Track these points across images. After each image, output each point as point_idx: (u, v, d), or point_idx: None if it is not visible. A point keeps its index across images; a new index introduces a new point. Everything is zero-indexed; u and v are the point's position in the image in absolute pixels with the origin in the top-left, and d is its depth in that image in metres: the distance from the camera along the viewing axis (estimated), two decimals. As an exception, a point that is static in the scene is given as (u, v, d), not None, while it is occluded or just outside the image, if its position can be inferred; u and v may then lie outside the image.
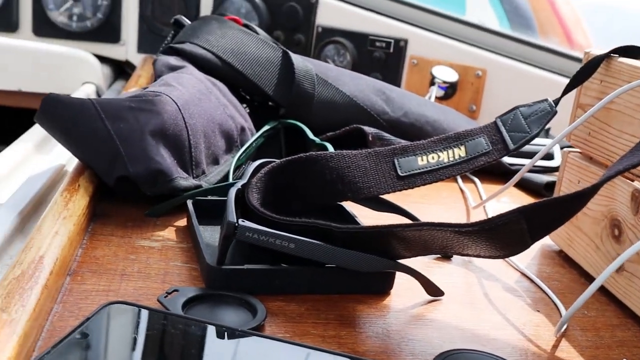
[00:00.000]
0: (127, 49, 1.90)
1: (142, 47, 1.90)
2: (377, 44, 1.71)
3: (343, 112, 1.18)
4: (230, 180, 0.96)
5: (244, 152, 1.02)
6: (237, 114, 1.06)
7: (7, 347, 0.48)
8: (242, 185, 0.77)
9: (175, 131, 0.89)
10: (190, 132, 0.91)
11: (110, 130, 0.84)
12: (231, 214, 0.69)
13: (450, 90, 1.64)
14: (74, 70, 1.73)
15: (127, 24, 1.89)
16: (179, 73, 1.04)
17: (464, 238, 0.62)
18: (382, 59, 1.70)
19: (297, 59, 1.16)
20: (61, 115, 0.87)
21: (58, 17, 1.84)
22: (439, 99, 1.64)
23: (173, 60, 1.09)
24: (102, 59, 1.87)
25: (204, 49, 1.13)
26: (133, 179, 0.83)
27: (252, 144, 1.05)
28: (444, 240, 0.65)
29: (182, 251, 0.79)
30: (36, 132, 1.25)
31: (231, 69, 1.13)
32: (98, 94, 1.73)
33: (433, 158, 0.80)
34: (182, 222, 0.88)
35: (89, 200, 0.81)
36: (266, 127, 1.10)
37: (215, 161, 0.98)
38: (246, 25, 1.31)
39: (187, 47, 1.13)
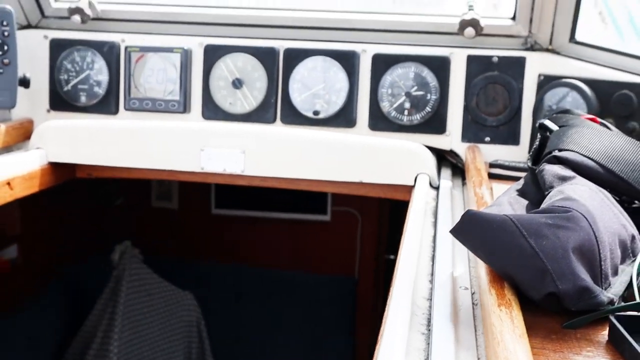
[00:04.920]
0: (451, 139, 2.01)
1: (466, 137, 2.00)
2: None
3: None
4: (636, 292, 0.98)
5: (640, 261, 1.03)
6: (627, 223, 1.07)
7: None
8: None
9: (589, 247, 0.93)
10: (600, 247, 0.94)
11: (535, 247, 0.90)
12: None
13: None
14: (410, 163, 1.86)
15: (453, 115, 2.00)
16: (572, 185, 1.08)
17: None
18: None
19: (678, 163, 1.15)
20: (483, 232, 0.95)
21: (391, 111, 2.01)
22: None
23: (560, 169, 1.14)
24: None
25: (585, 156, 1.16)
26: (560, 296, 0.88)
27: (645, 252, 1.05)
28: None
29: (619, 370, 0.82)
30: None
31: (612, 175, 1.15)
32: (431, 184, 1.83)
33: None
34: (599, 336, 0.90)
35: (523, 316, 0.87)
36: (654, 234, 1.10)
37: (615, 271, 1.00)
38: (601, 124, 1.33)
39: (570, 155, 1.17)
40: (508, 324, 0.83)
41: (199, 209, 3.72)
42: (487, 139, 1.99)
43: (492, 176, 1.79)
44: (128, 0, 2.17)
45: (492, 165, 1.81)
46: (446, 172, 1.97)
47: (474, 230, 0.96)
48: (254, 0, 2.27)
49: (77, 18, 2.06)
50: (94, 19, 2.11)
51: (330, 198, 3.63)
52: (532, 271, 0.90)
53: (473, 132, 1.99)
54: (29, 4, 2.15)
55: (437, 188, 1.82)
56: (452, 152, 2.03)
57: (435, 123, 2.00)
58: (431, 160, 1.88)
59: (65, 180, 2.13)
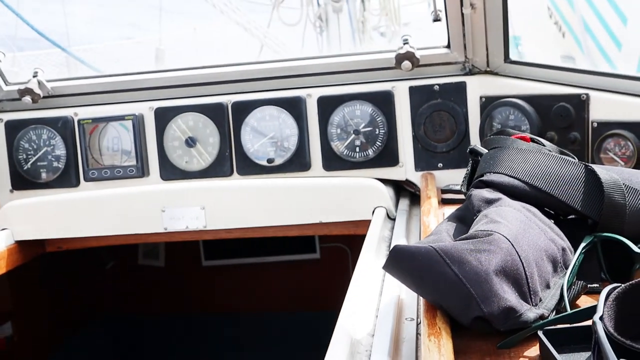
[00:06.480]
0: (405, 169, 2.05)
1: (419, 166, 2.04)
2: (666, 131, 1.67)
3: (657, 217, 1.18)
4: (567, 304, 1.01)
5: (571, 273, 1.06)
6: (556, 236, 1.11)
7: None
8: (599, 318, 0.82)
9: (512, 266, 0.96)
10: (525, 265, 0.97)
11: (459, 275, 0.93)
12: (610, 354, 0.73)
13: None
14: (366, 198, 1.90)
15: (403, 146, 2.04)
16: (497, 207, 1.12)
17: None
18: (672, 146, 1.66)
19: (601, 171, 1.19)
20: (410, 264, 0.98)
21: (343, 150, 2.05)
22: None
23: (487, 193, 1.18)
24: (383, 181, 2.03)
25: (511, 177, 1.20)
26: (487, 318, 0.91)
27: (575, 263, 1.09)
28: None
29: (547, 384, 0.84)
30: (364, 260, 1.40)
31: (539, 192, 1.19)
32: (388, 216, 1.87)
33: None
34: (532, 351, 0.93)
35: (452, 341, 0.90)
36: (584, 244, 1.13)
37: (547, 285, 1.03)
38: (532, 140, 1.37)
39: (496, 177, 1.21)
40: (435, 353, 0.85)
41: (189, 262, 3.74)
42: (440, 165, 2.03)
43: (446, 201, 1.83)
44: (76, 75, 2.22)
45: (443, 191, 1.85)
46: (404, 202, 2.01)
47: (402, 264, 0.99)
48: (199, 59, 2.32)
49: (27, 99, 2.10)
50: (45, 97, 2.15)
51: (318, 236, 3.66)
52: (458, 298, 0.93)
53: (425, 160, 2.04)
54: (-20, 90, 2.20)
55: (394, 219, 1.86)
56: (408, 182, 2.07)
57: (387, 156, 2.05)
58: (386, 193, 1.92)
59: (36, 256, 2.15)
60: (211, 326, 3.80)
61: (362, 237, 1.60)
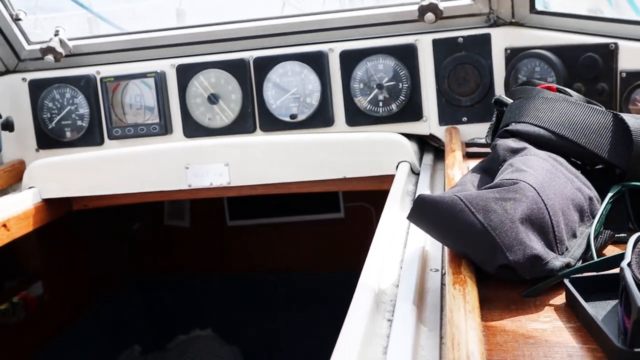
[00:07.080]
0: (429, 123, 2.03)
1: (443, 120, 2.02)
2: (695, 80, 1.63)
3: (687, 166, 1.15)
4: (594, 252, 1.00)
5: (598, 222, 1.05)
6: (582, 186, 1.09)
7: None
8: (627, 264, 0.81)
9: (538, 215, 0.95)
10: (551, 213, 0.96)
11: (484, 223, 0.93)
12: (639, 299, 0.72)
13: None
14: (389, 153, 1.89)
15: (427, 100, 2.02)
16: (523, 156, 1.10)
17: None
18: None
19: (629, 119, 1.17)
20: (434, 213, 0.97)
21: (366, 105, 2.03)
22: None
23: (512, 142, 1.17)
24: (407, 136, 2.02)
25: (537, 126, 1.19)
26: (513, 266, 0.91)
27: (602, 212, 1.07)
28: None
29: (573, 331, 0.84)
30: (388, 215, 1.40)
31: (566, 141, 1.17)
32: (412, 171, 1.86)
33: None
34: (558, 300, 0.93)
35: (477, 290, 0.90)
36: (611, 193, 1.12)
37: (573, 235, 1.02)
38: (559, 90, 1.35)
39: (522, 127, 1.19)
40: (460, 300, 0.85)
41: (214, 222, 3.77)
42: (464, 119, 2.01)
43: (470, 155, 1.81)
44: (98, 33, 2.22)
45: (468, 145, 1.83)
46: (428, 157, 2.00)
47: (426, 214, 0.99)
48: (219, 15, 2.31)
49: (50, 57, 2.11)
50: (67, 55, 2.15)
51: (342, 195, 3.66)
52: (483, 246, 0.93)
53: (449, 114, 2.01)
54: (4, 50, 2.21)
55: (419, 174, 1.85)
56: (432, 137, 2.05)
57: (411, 110, 2.03)
58: (410, 147, 1.91)
59: (62, 214, 2.18)
60: (237, 286, 3.84)
61: (386, 195, 1.61)
